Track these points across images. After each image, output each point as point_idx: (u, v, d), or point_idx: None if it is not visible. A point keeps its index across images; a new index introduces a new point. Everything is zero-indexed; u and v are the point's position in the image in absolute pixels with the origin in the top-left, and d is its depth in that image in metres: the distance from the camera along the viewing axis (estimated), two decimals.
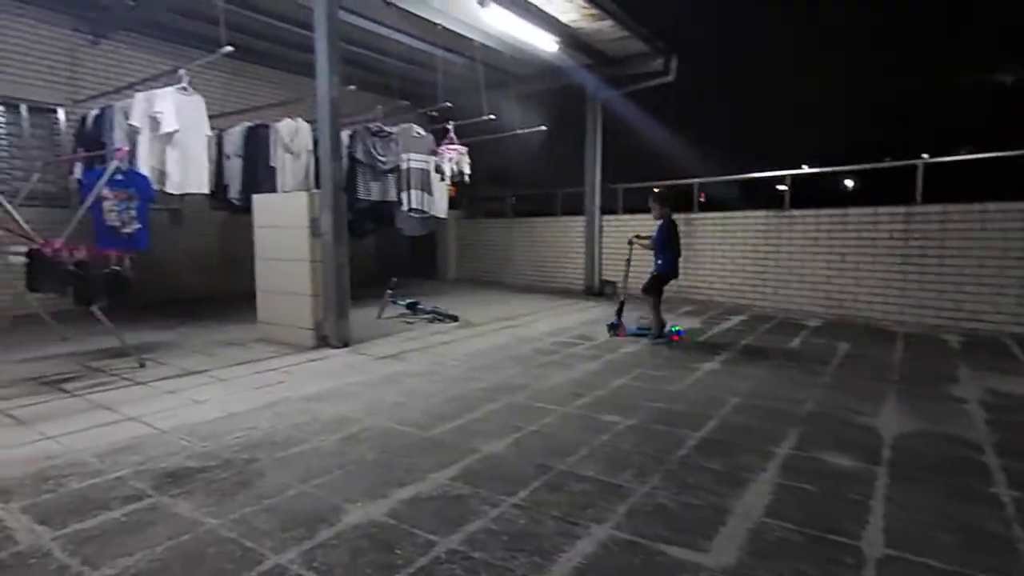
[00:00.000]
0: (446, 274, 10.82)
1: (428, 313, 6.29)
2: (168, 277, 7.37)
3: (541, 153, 9.77)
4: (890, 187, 7.74)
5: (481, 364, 4.34)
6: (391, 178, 6.49)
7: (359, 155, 6.18)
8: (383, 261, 10.20)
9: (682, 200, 7.53)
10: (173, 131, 5.07)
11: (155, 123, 5.05)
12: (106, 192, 4.18)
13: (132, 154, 4.98)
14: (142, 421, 2.98)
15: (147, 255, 4.48)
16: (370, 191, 6.29)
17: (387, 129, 6.46)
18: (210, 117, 5.63)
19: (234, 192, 6.16)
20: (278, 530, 1.92)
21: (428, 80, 8.53)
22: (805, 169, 7.36)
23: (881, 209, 6.32)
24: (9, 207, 3.94)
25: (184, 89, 5.21)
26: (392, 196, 6.51)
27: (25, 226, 3.91)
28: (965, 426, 3.00)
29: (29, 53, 6.44)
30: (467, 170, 7.08)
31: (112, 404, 3.26)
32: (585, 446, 2.69)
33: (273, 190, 5.89)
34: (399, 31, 7.15)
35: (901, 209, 6.20)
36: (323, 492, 2.20)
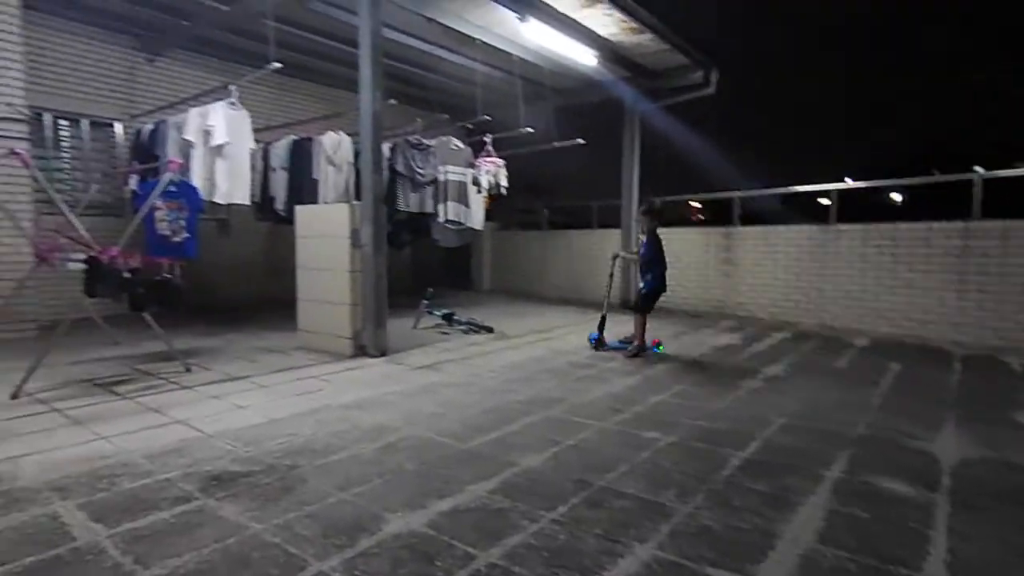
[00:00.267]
0: (481, 285, 10.87)
1: (463, 324, 6.32)
2: (213, 285, 7.60)
3: (577, 165, 9.78)
4: (940, 200, 7.46)
5: (517, 376, 4.33)
6: (429, 190, 6.58)
7: (399, 167, 6.29)
8: (419, 272, 10.32)
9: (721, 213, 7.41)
10: (223, 143, 5.27)
11: (207, 136, 5.25)
12: (158, 202, 4.34)
13: (185, 166, 5.18)
14: (189, 424, 3.06)
15: (194, 263, 4.63)
16: (409, 203, 6.40)
17: (426, 142, 6.57)
18: (256, 131, 5.84)
19: (280, 203, 6.34)
20: (320, 537, 1.94)
21: (467, 94, 8.65)
22: (849, 183, 7.14)
23: (935, 224, 6.07)
24: (71, 216, 4.13)
25: (233, 104, 5.42)
26: (429, 208, 6.60)
27: (85, 234, 4.09)
28: None
29: (91, 71, 6.80)
30: (504, 183, 7.13)
31: (160, 407, 3.36)
32: (625, 462, 2.64)
33: (315, 202, 6.04)
34: (440, 46, 7.28)
35: (958, 225, 5.93)
36: (363, 500, 2.21)
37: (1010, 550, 1.92)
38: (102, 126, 7.02)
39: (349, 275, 4.81)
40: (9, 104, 5.31)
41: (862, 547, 1.92)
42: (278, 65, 5.06)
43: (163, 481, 2.34)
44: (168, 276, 4.25)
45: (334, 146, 6.24)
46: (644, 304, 5.12)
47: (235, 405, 3.45)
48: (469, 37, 6.51)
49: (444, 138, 6.79)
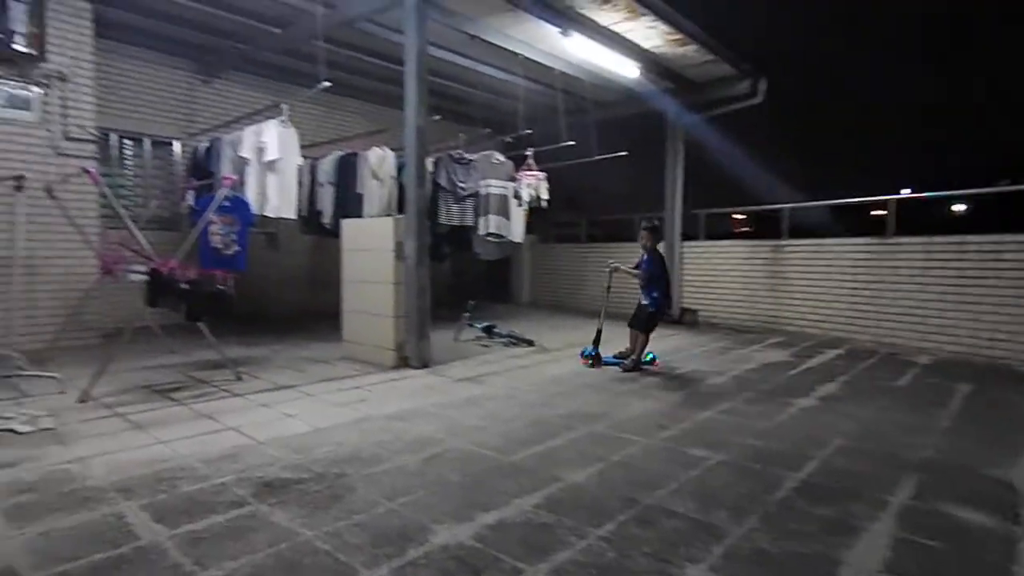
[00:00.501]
0: (520, 298, 10.88)
1: (504, 337, 6.32)
2: (260, 296, 7.84)
3: (617, 178, 9.71)
4: (1012, 212, 7.07)
5: (559, 390, 4.29)
6: (470, 203, 6.65)
7: (442, 181, 6.38)
8: (458, 284, 10.41)
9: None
10: (275, 159, 5.47)
11: (260, 152, 5.47)
12: (213, 217, 4.52)
13: (239, 182, 5.39)
14: (240, 431, 3.15)
15: (243, 275, 4.78)
16: (451, 216, 6.47)
17: (468, 156, 6.65)
18: (303, 147, 6.03)
19: (326, 217, 6.52)
20: (368, 545, 1.95)
21: (508, 108, 8.74)
22: (907, 193, 6.85)
23: (1007, 237, 5.70)
24: (135, 230, 4.34)
25: (283, 121, 5.62)
26: (470, 221, 6.66)
27: (147, 247, 4.29)
28: None
29: (153, 93, 7.17)
30: (545, 195, 7.14)
31: (213, 414, 3.47)
32: (673, 480, 2.57)
33: (360, 215, 6.18)
34: (482, 62, 7.39)
35: None
36: (410, 511, 2.22)
37: None
38: (162, 144, 7.38)
39: (393, 287, 4.89)
40: (81, 126, 5.65)
41: None
42: (328, 84, 5.23)
43: (218, 485, 2.41)
44: (222, 288, 4.40)
45: (378, 161, 6.38)
46: (651, 324, 5.05)
47: (283, 413, 3.52)
48: (512, 53, 6.58)
49: (486, 152, 6.86)
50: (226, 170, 5.82)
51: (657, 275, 5.07)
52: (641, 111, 8.56)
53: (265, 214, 5.67)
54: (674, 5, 5.94)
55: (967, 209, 19.75)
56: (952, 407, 3.94)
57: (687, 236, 8.53)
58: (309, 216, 6.64)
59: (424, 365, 4.89)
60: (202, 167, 6.49)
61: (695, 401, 4.00)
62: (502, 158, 6.95)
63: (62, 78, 5.49)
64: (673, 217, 8.37)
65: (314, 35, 5.72)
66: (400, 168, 6.28)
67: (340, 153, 6.59)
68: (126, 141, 7.07)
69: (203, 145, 6.59)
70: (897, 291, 6.42)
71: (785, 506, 2.34)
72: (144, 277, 4.15)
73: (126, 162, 7.13)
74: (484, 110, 9.19)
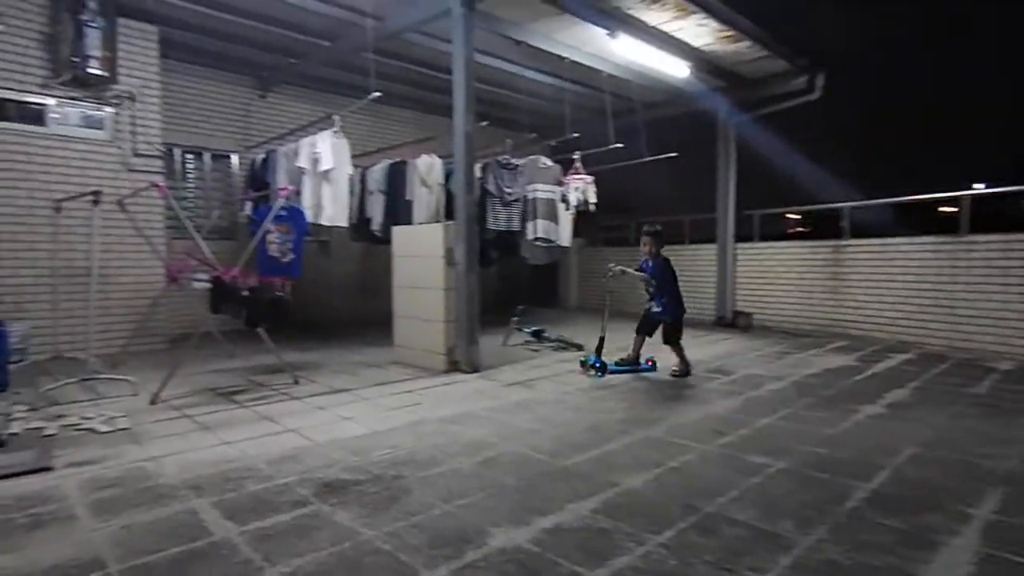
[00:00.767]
0: (568, 302, 10.82)
1: (553, 341, 6.30)
2: (312, 302, 8.08)
3: (666, 179, 9.54)
4: None
5: (611, 395, 4.24)
6: (516, 208, 6.66)
7: (489, 186, 6.43)
8: (505, 289, 10.44)
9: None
10: (329, 169, 5.64)
11: (315, 162, 5.65)
12: (270, 226, 4.70)
13: (295, 192, 5.59)
14: (300, 433, 3.24)
15: (297, 282, 4.93)
16: (498, 221, 6.50)
17: (514, 161, 6.67)
18: (353, 156, 6.19)
19: (376, 225, 6.66)
20: (427, 546, 1.97)
21: (555, 112, 8.73)
22: (980, 188, 6.46)
23: None
24: (199, 240, 4.55)
25: (336, 132, 5.79)
26: (516, 226, 6.67)
27: (211, 256, 4.50)
28: None
29: (212, 109, 7.53)
30: (593, 199, 7.09)
31: (273, 416, 3.59)
32: (733, 488, 2.49)
33: (409, 222, 6.29)
34: (528, 67, 7.42)
35: None
36: (467, 513, 2.23)
37: None
38: (221, 158, 7.73)
39: (443, 293, 4.95)
40: (148, 143, 5.99)
41: None
42: (378, 94, 5.37)
43: (282, 485, 2.49)
44: (280, 294, 4.56)
45: (427, 168, 6.48)
46: (675, 332, 4.91)
47: (340, 416, 3.61)
48: (558, 57, 6.58)
49: (533, 157, 6.87)
50: (281, 181, 6.04)
51: (668, 280, 4.94)
52: (690, 110, 8.41)
53: (320, 223, 5.85)
54: (725, 1, 5.81)
55: None
56: None
57: (739, 237, 8.30)
58: (359, 223, 6.80)
59: (474, 369, 4.92)
60: (259, 178, 6.76)
61: (753, 407, 3.88)
62: (549, 162, 6.94)
63: (132, 98, 5.83)
64: (726, 218, 8.17)
65: (363, 47, 5.89)
66: (448, 175, 6.37)
67: (389, 161, 6.74)
68: (188, 155, 7.45)
69: (259, 157, 6.86)
70: (973, 293, 6.04)
71: (855, 516, 2.23)
72: (207, 285, 4.35)
73: (188, 175, 7.50)
74: (530, 115, 9.21)
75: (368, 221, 6.75)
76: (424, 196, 6.46)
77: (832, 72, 7.37)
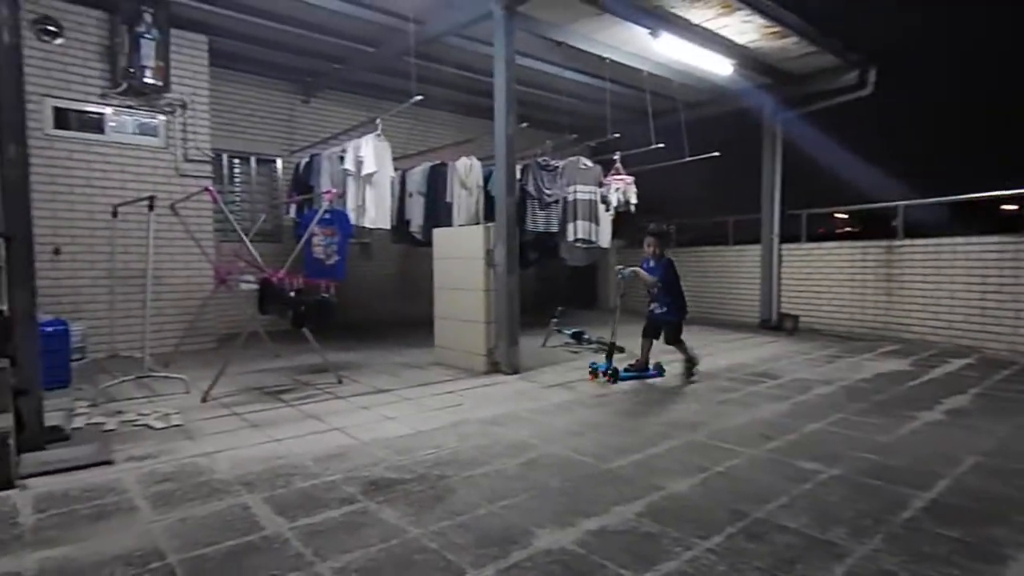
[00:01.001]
0: (607, 303, 10.72)
1: (593, 343, 6.25)
2: (354, 303, 8.23)
3: (708, 180, 9.36)
4: None
5: (654, 398, 4.18)
6: (555, 209, 6.64)
7: (529, 188, 6.43)
8: (544, 291, 10.42)
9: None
10: (373, 172, 5.74)
11: (359, 166, 5.76)
12: (315, 229, 4.81)
13: (339, 195, 5.71)
14: (345, 432, 3.31)
15: (341, 284, 5.03)
16: (536, 222, 6.50)
17: (554, 163, 6.66)
18: (394, 159, 6.28)
19: (415, 227, 6.74)
20: (473, 546, 1.98)
21: (595, 113, 8.68)
22: None
23: None
24: (248, 242, 4.70)
25: (379, 135, 5.89)
26: (555, 227, 6.65)
27: (259, 259, 4.64)
28: None
29: (257, 115, 7.76)
30: (634, 199, 7.01)
31: (319, 415, 3.67)
32: (782, 494, 2.42)
33: (449, 224, 6.34)
34: (568, 68, 7.40)
35: None
36: (511, 514, 2.23)
37: None
38: (266, 162, 7.97)
39: (484, 294, 4.97)
40: (199, 148, 6.22)
41: None
42: (420, 97, 5.43)
43: (329, 483, 2.54)
44: (326, 296, 4.66)
45: (466, 170, 6.53)
46: (679, 333, 4.82)
47: (383, 416, 3.67)
48: (599, 57, 6.53)
49: (573, 158, 6.84)
50: (325, 184, 6.18)
51: (672, 282, 4.83)
52: (733, 108, 8.23)
53: (363, 225, 5.96)
54: None
55: None
56: None
57: (785, 238, 8.07)
58: (399, 225, 6.90)
59: (514, 371, 4.92)
60: (303, 182, 6.93)
61: (802, 411, 3.76)
62: (589, 163, 6.90)
63: (183, 105, 6.07)
64: (772, 218, 7.94)
65: (405, 52, 5.97)
66: (487, 177, 6.40)
67: (429, 164, 6.81)
68: (235, 160, 7.69)
69: (303, 161, 7.04)
70: None
71: (913, 526, 2.14)
72: (255, 286, 4.48)
73: (235, 179, 7.75)
74: (570, 116, 9.17)
75: (407, 223, 6.84)
76: (464, 198, 6.51)
77: (887, 67, 7.08)
